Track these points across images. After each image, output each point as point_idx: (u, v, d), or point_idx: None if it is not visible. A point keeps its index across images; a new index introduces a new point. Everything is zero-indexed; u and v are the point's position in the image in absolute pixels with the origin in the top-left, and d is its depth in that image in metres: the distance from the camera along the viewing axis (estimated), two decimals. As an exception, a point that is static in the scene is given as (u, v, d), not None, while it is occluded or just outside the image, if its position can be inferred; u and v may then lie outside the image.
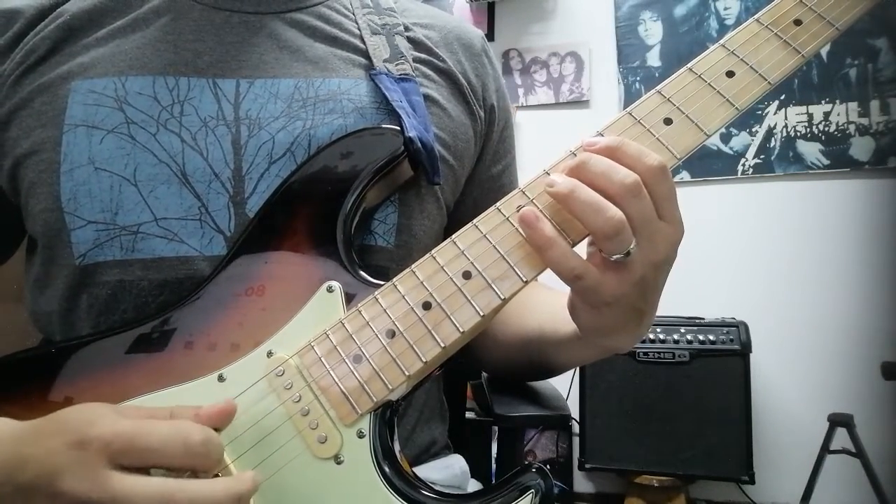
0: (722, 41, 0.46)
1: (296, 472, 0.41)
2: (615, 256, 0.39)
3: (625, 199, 0.39)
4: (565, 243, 0.41)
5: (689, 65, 0.46)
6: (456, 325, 0.42)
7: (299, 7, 0.59)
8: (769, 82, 0.45)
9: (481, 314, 0.42)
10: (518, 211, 0.43)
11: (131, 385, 0.44)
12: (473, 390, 0.88)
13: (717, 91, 0.45)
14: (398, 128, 0.51)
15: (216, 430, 0.40)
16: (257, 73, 0.55)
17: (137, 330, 0.46)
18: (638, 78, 2.24)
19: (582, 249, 0.42)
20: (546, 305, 0.57)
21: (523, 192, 0.44)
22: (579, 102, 2.30)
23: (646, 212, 0.39)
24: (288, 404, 0.42)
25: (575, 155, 0.43)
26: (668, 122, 0.44)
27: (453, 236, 0.44)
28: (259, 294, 0.47)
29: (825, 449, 1.67)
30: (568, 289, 0.44)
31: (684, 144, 0.44)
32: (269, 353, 0.44)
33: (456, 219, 0.61)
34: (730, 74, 0.45)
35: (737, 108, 0.44)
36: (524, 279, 0.42)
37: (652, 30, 2.24)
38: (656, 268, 0.41)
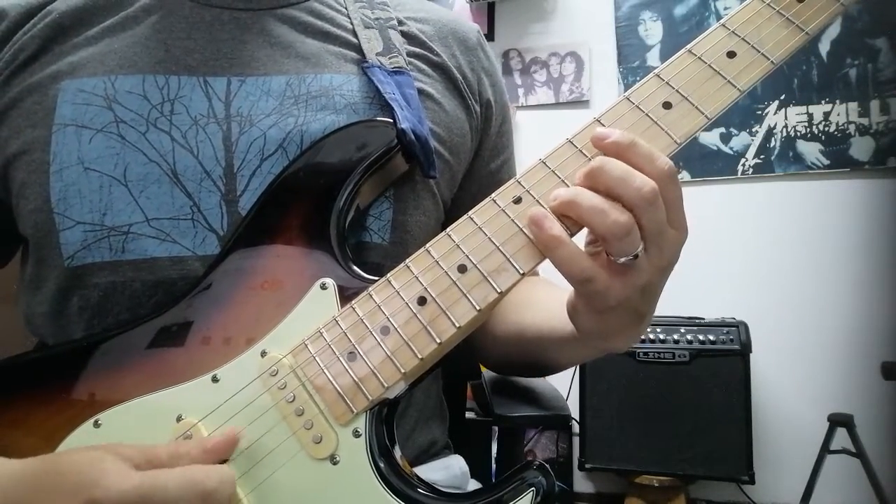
0: (722, 20, 0.45)
1: (291, 473, 0.40)
2: (623, 259, 0.39)
3: (640, 207, 0.38)
4: (575, 244, 0.39)
5: (688, 46, 0.44)
6: (452, 321, 0.41)
7: (291, 3, 0.59)
8: (772, 62, 0.44)
9: (478, 308, 0.41)
10: (514, 202, 0.42)
11: (126, 387, 0.43)
12: (473, 390, 0.87)
13: (718, 72, 0.43)
14: (390, 120, 0.51)
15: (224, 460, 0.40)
16: (249, 71, 0.54)
17: (132, 332, 0.46)
18: (638, 78, 2.21)
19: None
20: (544, 303, 0.56)
21: (519, 183, 0.43)
22: (579, 102, 2.30)
23: (659, 220, 0.38)
24: (282, 404, 0.41)
25: (572, 143, 0.43)
26: (667, 106, 0.43)
27: (448, 229, 0.43)
28: (253, 292, 0.46)
29: (825, 449, 1.67)
30: (567, 285, 0.43)
31: (685, 129, 0.42)
32: (263, 353, 0.43)
33: (454, 216, 0.61)
34: (731, 55, 0.44)
35: (739, 89, 0.43)
36: (521, 271, 0.41)
37: (652, 30, 2.23)
38: (662, 272, 0.40)
